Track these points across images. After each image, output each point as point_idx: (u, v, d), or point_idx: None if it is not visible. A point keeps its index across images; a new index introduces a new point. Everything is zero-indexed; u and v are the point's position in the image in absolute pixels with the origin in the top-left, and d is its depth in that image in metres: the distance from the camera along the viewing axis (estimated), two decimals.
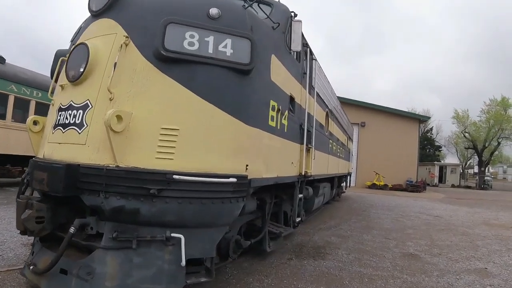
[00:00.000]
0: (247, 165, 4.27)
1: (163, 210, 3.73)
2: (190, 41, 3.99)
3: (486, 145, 45.63)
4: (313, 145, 7.52)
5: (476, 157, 66.08)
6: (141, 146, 3.79)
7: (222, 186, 3.96)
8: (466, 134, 47.47)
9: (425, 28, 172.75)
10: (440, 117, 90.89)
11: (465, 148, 54.05)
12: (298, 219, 7.18)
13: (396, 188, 30.39)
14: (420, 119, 33.06)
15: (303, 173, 6.86)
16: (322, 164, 9.34)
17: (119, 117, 3.68)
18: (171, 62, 3.97)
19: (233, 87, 4.23)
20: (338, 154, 13.18)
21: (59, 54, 5.46)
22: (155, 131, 3.83)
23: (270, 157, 5.12)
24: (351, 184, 28.53)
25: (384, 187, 30.07)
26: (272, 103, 5.04)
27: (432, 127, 63.01)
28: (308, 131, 7.21)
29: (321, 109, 9.04)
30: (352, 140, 20.66)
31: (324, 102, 9.42)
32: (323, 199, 11.08)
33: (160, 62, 3.98)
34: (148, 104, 3.92)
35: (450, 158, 69.70)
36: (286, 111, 5.82)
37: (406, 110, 34.42)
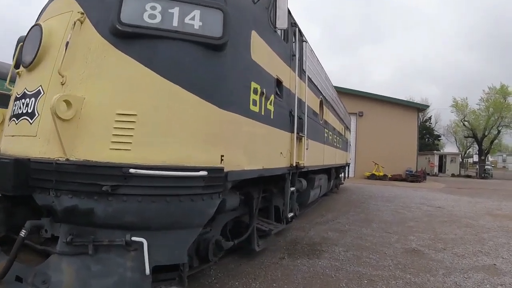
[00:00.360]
0: (222, 156, 3.68)
1: (121, 210, 3.18)
2: (151, 13, 3.43)
3: (486, 133, 44.98)
4: (306, 134, 6.95)
5: (475, 146, 65.82)
6: (94, 136, 3.25)
7: (190, 181, 3.37)
8: (466, 123, 46.79)
9: (423, 17, 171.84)
10: (439, 107, 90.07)
11: (465, 137, 53.42)
12: (290, 215, 6.60)
13: (396, 178, 29.85)
14: (419, 108, 32.50)
15: (294, 164, 6.30)
16: (317, 155, 8.80)
17: (67, 103, 3.16)
18: (129, 38, 3.42)
19: (203, 65, 3.64)
20: (335, 144, 12.63)
21: (20, 40, 4.90)
22: (109, 117, 3.26)
23: (253, 147, 4.54)
24: (350, 175, 28.05)
25: (383, 178, 29.55)
26: (253, 85, 4.45)
27: (431, 116, 62.50)
28: (299, 118, 6.65)
29: (314, 96, 8.47)
30: (349, 130, 20.06)
31: (318, 88, 8.85)
32: (319, 191, 10.54)
33: (116, 39, 3.43)
34: (102, 87, 3.38)
35: (449, 148, 69.14)
36: (272, 96, 5.23)
37: (404, 99, 33.81)
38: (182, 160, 3.39)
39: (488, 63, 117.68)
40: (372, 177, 29.69)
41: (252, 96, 4.41)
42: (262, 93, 4.70)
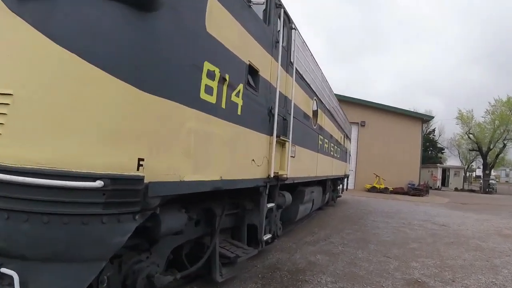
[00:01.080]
0: (141, 160, 2.51)
1: None
2: None
3: (491, 147, 43.80)
4: (291, 138, 5.82)
5: (478, 159, 64.58)
6: None
7: (80, 194, 2.23)
8: (471, 136, 45.55)
9: (428, 29, 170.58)
10: (442, 119, 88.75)
11: (469, 150, 52.18)
12: (267, 237, 5.44)
13: (397, 191, 28.62)
14: (423, 119, 31.33)
15: (272, 175, 5.13)
16: (307, 164, 7.69)
17: None
18: None
19: (121, 30, 2.53)
20: (332, 153, 11.48)
21: None
22: None
23: (205, 150, 3.40)
24: (350, 187, 26.99)
25: (384, 191, 28.32)
26: (208, 66, 3.30)
27: (435, 128, 61.42)
28: (283, 119, 5.55)
29: (306, 96, 7.35)
30: (350, 140, 18.89)
31: (311, 88, 7.73)
32: (311, 206, 9.40)
33: None
34: None
35: (452, 161, 67.82)
36: (241, 86, 4.09)
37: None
38: (76, 162, 2.26)
39: (493, 76, 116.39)
40: (373, 189, 28.47)
41: (206, 81, 3.26)
42: (222, 80, 3.56)
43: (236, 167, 4.10)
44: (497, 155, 45.28)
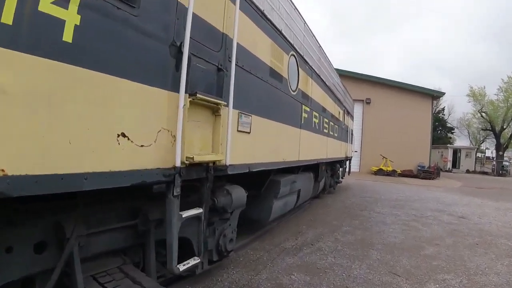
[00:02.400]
0: None
1: None
2: None
3: (505, 126, 41.32)
4: (232, 101, 3.55)
5: (488, 140, 62.10)
6: None
7: None
8: (483, 114, 42.95)
9: (436, 4, 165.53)
10: (452, 96, 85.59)
11: (482, 129, 49.49)
12: (187, 265, 3.21)
13: (406, 174, 26.46)
14: (434, 96, 28.71)
15: (178, 163, 2.91)
16: (280, 144, 5.48)
17: None
18: None
19: None
20: (326, 131, 9.25)
21: None
22: None
23: None
24: (354, 170, 25.12)
25: (392, 173, 26.14)
26: None
27: (444, 107, 58.65)
28: (217, 69, 3.36)
29: (273, 43, 5.08)
30: (352, 117, 16.56)
31: (283, 35, 5.46)
32: (296, 198, 7.31)
33: None
34: None
35: (461, 141, 65.40)
36: None
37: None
38: None
39: (502, 55, 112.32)
40: (380, 172, 26.27)
41: None
42: None
43: (72, 149, 1.99)
44: (511, 135, 42.76)
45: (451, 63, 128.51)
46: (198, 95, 2.96)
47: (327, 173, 11.35)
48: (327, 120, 9.21)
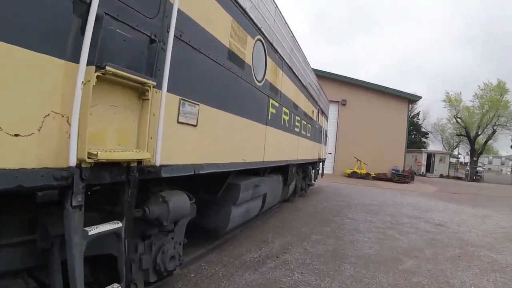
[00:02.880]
0: None
1: None
2: None
3: (479, 132, 41.65)
4: (166, 82, 2.74)
5: (461, 145, 62.84)
6: None
7: None
8: (459, 120, 43.16)
9: (414, 10, 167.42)
10: (428, 100, 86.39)
11: (457, 135, 49.86)
12: None
13: (380, 177, 26.07)
14: (410, 99, 28.42)
15: (72, 162, 2.08)
16: (238, 141, 4.67)
17: None
18: None
19: None
20: (298, 130, 8.51)
21: None
22: None
23: None
24: (328, 172, 24.53)
25: (366, 176, 25.73)
26: None
27: (419, 112, 58.97)
28: (150, 39, 2.56)
29: (235, 23, 4.28)
30: (327, 117, 15.88)
31: (248, 14, 4.65)
32: (261, 204, 6.53)
33: None
34: None
35: (435, 146, 66.01)
36: None
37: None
38: None
39: (480, 62, 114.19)
40: (353, 175, 25.80)
41: None
42: None
43: None
44: (486, 141, 43.16)
45: (429, 69, 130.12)
46: (109, 68, 2.13)
47: (298, 175, 10.64)
48: (299, 118, 8.47)
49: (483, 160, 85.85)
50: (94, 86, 2.09)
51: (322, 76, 23.29)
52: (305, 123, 9.47)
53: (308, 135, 10.16)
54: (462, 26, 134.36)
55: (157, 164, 2.67)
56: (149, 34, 2.64)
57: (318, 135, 12.42)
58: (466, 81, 77.21)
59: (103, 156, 2.13)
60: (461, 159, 64.97)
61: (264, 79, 5.45)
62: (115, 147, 2.37)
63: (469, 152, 45.67)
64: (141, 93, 2.53)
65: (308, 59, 9.68)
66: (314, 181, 14.55)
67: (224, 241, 6.21)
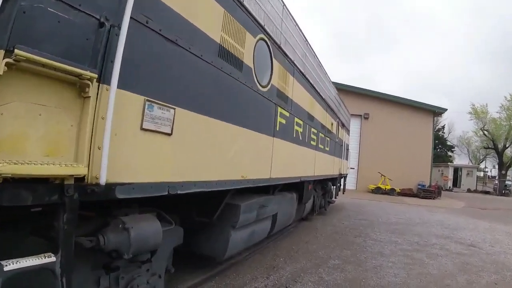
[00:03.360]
0: None
1: None
2: None
3: (507, 145, 40.01)
4: (115, 75, 2.11)
5: (489, 159, 60.86)
6: None
7: None
8: (485, 132, 41.60)
9: (435, 28, 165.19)
10: (453, 113, 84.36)
11: (484, 147, 48.07)
12: None
13: (405, 193, 24.95)
14: (435, 112, 27.31)
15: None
16: (240, 156, 4.03)
17: None
18: None
19: None
20: (314, 143, 7.85)
21: None
22: None
23: None
24: (351, 187, 23.81)
25: (390, 192, 24.64)
26: None
27: (444, 125, 57.42)
28: (95, 20, 1.98)
29: (229, 16, 3.64)
30: (348, 131, 15.13)
31: (245, 8, 4.02)
32: (269, 226, 5.89)
33: None
34: None
35: (461, 160, 64.18)
36: None
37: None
38: None
39: (500, 77, 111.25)
40: (378, 191, 24.74)
41: None
42: None
43: None
44: None
45: (450, 84, 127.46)
46: (19, 52, 1.53)
47: (316, 192, 9.92)
48: (315, 131, 7.80)
49: (510, 173, 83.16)
50: (3, 77, 1.50)
51: (343, 89, 22.55)
52: (323, 136, 8.79)
53: (327, 149, 9.46)
54: (483, 39, 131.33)
55: (102, 182, 2.03)
56: (97, 17, 2.04)
57: (338, 149, 11.70)
58: (489, 93, 74.92)
59: (7, 169, 1.51)
60: (488, 173, 62.81)
61: (270, 85, 4.82)
62: (41, 158, 1.76)
63: (496, 166, 43.88)
64: (80, 89, 1.92)
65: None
66: (335, 198, 13.76)
67: (228, 266, 5.53)
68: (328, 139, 9.62)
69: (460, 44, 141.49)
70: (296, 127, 6.18)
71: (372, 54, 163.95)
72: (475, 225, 12.80)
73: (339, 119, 11.57)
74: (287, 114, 5.70)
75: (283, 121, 5.50)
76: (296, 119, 6.16)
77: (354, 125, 25.24)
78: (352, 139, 23.27)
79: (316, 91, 7.80)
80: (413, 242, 8.82)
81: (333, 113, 10.27)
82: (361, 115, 26.72)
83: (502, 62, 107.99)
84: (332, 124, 10.19)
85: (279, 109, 5.29)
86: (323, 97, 8.57)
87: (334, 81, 11.46)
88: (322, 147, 8.77)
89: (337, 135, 11.25)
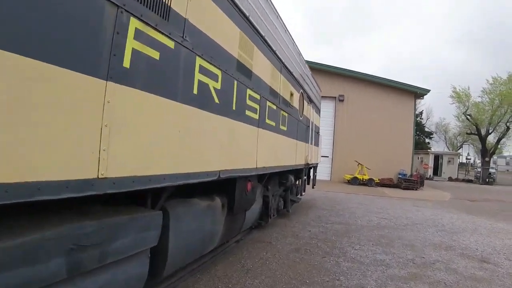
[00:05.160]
0: None
1: None
2: None
3: (490, 130, 38.06)
4: None
5: (465, 146, 59.51)
6: None
7: None
8: (468, 117, 39.48)
9: (412, 10, 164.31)
10: (429, 103, 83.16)
11: (467, 133, 46.03)
12: None
13: (385, 183, 22.47)
14: (417, 93, 24.60)
15: None
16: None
17: None
18: None
19: None
20: (255, 116, 4.87)
21: None
22: None
23: None
24: (325, 178, 21.94)
25: (369, 182, 22.10)
26: None
27: (422, 111, 55.52)
28: None
29: None
30: (318, 110, 12.18)
31: None
32: (182, 252, 3.01)
33: None
34: None
35: (438, 147, 62.93)
36: None
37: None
38: None
39: (482, 59, 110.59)
40: (354, 181, 22.15)
41: None
42: None
43: None
44: (499, 140, 39.47)
45: (428, 68, 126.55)
46: None
47: (269, 190, 7.00)
48: (257, 96, 4.85)
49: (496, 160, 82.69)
50: None
51: (314, 68, 19.52)
52: (275, 107, 5.87)
53: (283, 128, 6.54)
54: (462, 22, 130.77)
55: None
56: None
57: (303, 131, 8.79)
58: (469, 79, 73.69)
59: None
60: (463, 160, 61.90)
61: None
62: None
63: (473, 153, 42.03)
64: None
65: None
66: (302, 195, 10.83)
67: None
68: (286, 114, 6.70)
69: (441, 30, 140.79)
70: (199, 76, 3.19)
71: (348, 37, 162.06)
72: (474, 225, 10.22)
73: (304, 90, 8.64)
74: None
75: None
76: (199, 59, 3.18)
77: (328, 108, 22.71)
78: (325, 124, 20.63)
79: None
80: (407, 261, 6.10)
81: (294, 80, 7.36)
82: (335, 97, 23.99)
83: (483, 44, 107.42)
84: (292, 94, 7.26)
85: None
86: (273, 47, 5.62)
87: (305, 60, 8.79)
88: (274, 124, 5.83)
89: (301, 112, 8.33)
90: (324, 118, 18.85)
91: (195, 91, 3.08)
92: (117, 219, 2.54)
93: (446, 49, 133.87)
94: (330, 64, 24.44)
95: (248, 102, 4.48)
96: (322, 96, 13.52)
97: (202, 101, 3.21)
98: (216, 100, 3.50)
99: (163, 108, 2.65)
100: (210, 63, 3.33)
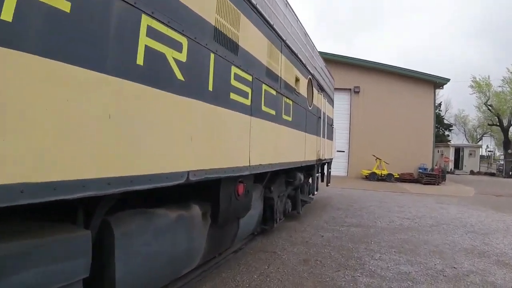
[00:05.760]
0: None
1: None
2: None
3: None
4: None
5: (485, 138, 57.67)
6: None
7: None
8: (490, 107, 37.79)
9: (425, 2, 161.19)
10: (447, 94, 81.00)
11: (488, 124, 44.19)
12: None
13: (405, 178, 21.32)
14: (436, 82, 23.31)
15: None
16: None
17: None
18: None
19: None
20: (247, 102, 3.93)
21: None
22: None
23: None
24: (341, 174, 21.22)
25: (388, 178, 21.02)
26: None
27: (441, 102, 53.55)
28: None
29: None
30: (331, 100, 11.12)
31: None
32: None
33: None
34: None
35: (458, 139, 61.12)
36: None
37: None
38: None
39: (499, 50, 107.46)
40: (372, 177, 21.06)
41: None
42: None
43: None
44: None
45: (442, 61, 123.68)
46: None
47: (271, 192, 6.05)
48: (248, 77, 3.91)
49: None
50: None
51: (327, 59, 18.53)
52: (273, 92, 4.90)
53: (287, 118, 5.58)
54: (477, 18, 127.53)
55: None
56: None
57: (313, 123, 7.80)
58: (486, 70, 70.88)
59: None
60: (483, 152, 60.23)
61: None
62: None
63: (496, 145, 40.27)
64: None
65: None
66: (314, 194, 9.81)
67: None
68: (290, 102, 5.72)
69: (455, 23, 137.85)
70: (147, 41, 2.26)
71: (357, 34, 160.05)
72: (505, 224, 9.17)
73: (313, 76, 7.65)
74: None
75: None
76: (146, 18, 2.25)
77: (343, 101, 21.68)
78: (341, 118, 19.61)
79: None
80: (436, 273, 5.12)
81: (299, 63, 6.39)
82: (350, 89, 22.88)
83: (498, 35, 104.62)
84: (298, 79, 6.28)
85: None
86: (270, 21, 4.66)
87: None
88: (273, 112, 4.87)
89: (310, 101, 7.35)
90: (339, 111, 17.82)
91: (139, 62, 2.15)
92: (16, 245, 1.65)
93: (460, 40, 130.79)
94: (342, 55, 23.33)
95: (234, 82, 3.53)
96: (336, 88, 12.55)
97: (153, 75, 2.28)
98: (180, 77, 2.57)
99: (79, 81, 1.74)
100: (167, 26, 2.41)
